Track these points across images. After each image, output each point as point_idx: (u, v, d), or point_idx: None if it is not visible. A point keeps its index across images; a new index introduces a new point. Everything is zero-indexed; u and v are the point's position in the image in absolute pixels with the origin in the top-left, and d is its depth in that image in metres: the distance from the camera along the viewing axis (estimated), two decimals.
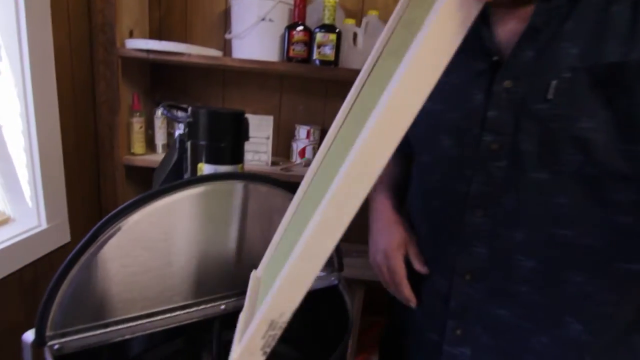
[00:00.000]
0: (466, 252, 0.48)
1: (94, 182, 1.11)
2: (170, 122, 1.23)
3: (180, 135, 0.58)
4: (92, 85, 1.05)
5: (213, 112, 0.49)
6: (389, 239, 0.57)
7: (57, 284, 0.42)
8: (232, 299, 0.56)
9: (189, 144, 0.51)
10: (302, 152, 1.23)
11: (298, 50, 1.03)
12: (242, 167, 0.53)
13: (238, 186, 0.50)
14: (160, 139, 1.19)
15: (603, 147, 0.39)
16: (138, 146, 1.13)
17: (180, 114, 0.58)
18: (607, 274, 0.43)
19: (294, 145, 1.24)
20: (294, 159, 1.24)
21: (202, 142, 0.50)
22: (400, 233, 0.56)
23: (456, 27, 0.26)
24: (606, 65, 0.37)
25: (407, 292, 0.53)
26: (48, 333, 0.43)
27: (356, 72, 0.40)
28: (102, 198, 1.12)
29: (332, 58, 1.03)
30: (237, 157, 0.52)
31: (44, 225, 0.92)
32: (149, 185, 1.33)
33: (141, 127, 1.13)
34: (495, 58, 0.45)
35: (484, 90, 0.45)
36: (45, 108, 0.89)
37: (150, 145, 1.20)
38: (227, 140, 0.50)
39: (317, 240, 0.31)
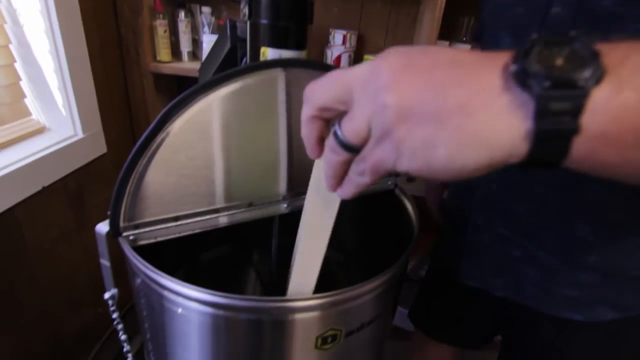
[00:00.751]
0: None
1: (122, 91, 1.06)
2: (195, 27, 1.14)
3: (230, 20, 0.52)
4: None
5: None
6: None
7: (126, 174, 0.40)
8: (294, 199, 0.54)
9: (248, 25, 0.45)
10: (338, 60, 1.14)
11: None
12: (307, 54, 0.48)
13: (303, 74, 0.45)
14: (185, 45, 1.11)
15: None
16: (164, 53, 1.06)
17: None
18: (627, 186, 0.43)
19: (329, 52, 1.15)
20: None
21: (265, 22, 0.44)
22: None
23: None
24: None
25: None
26: (122, 224, 0.42)
27: None
28: (132, 108, 1.08)
29: None
30: (301, 41, 0.46)
31: (80, 135, 0.90)
32: (179, 94, 1.28)
33: (165, 31, 1.04)
34: None
35: None
36: (65, 4, 0.81)
37: (175, 53, 1.13)
38: (293, 19, 0.44)
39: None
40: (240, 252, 0.81)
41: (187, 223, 0.46)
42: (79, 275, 0.97)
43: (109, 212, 0.43)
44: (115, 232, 0.42)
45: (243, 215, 0.50)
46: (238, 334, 0.43)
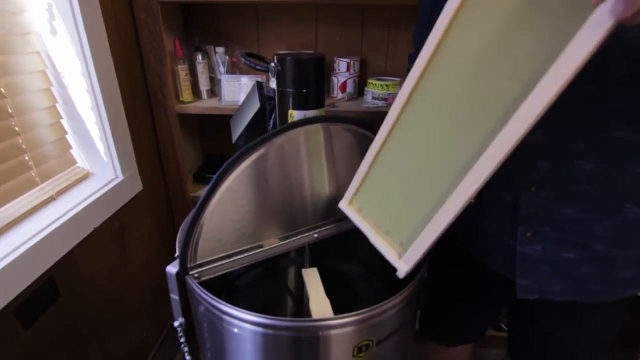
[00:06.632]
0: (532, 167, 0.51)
1: (151, 132, 1.16)
2: (211, 66, 1.24)
3: (257, 82, 0.61)
4: (136, 35, 1.05)
5: (299, 60, 0.51)
6: None
7: (193, 225, 0.49)
8: (322, 229, 0.63)
9: (276, 93, 0.54)
10: (344, 86, 1.23)
11: None
12: (325, 110, 0.57)
13: (326, 128, 0.54)
14: (204, 84, 1.22)
15: None
16: (186, 94, 1.16)
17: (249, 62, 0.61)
18: None
19: (334, 79, 1.24)
20: (335, 94, 1.25)
21: (290, 90, 0.53)
22: None
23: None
24: None
25: None
26: (189, 265, 0.52)
27: None
28: (161, 147, 1.18)
29: None
30: (321, 100, 0.55)
31: (120, 177, 1.01)
32: (202, 132, 1.39)
33: (186, 75, 1.15)
34: None
35: None
36: (103, 64, 0.92)
37: (195, 92, 1.23)
38: (313, 85, 0.53)
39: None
40: (271, 274, 0.90)
41: (238, 259, 0.56)
42: (126, 304, 1.07)
43: (176, 255, 0.53)
44: (184, 271, 0.51)
45: (281, 247, 0.60)
46: (286, 349, 0.52)
